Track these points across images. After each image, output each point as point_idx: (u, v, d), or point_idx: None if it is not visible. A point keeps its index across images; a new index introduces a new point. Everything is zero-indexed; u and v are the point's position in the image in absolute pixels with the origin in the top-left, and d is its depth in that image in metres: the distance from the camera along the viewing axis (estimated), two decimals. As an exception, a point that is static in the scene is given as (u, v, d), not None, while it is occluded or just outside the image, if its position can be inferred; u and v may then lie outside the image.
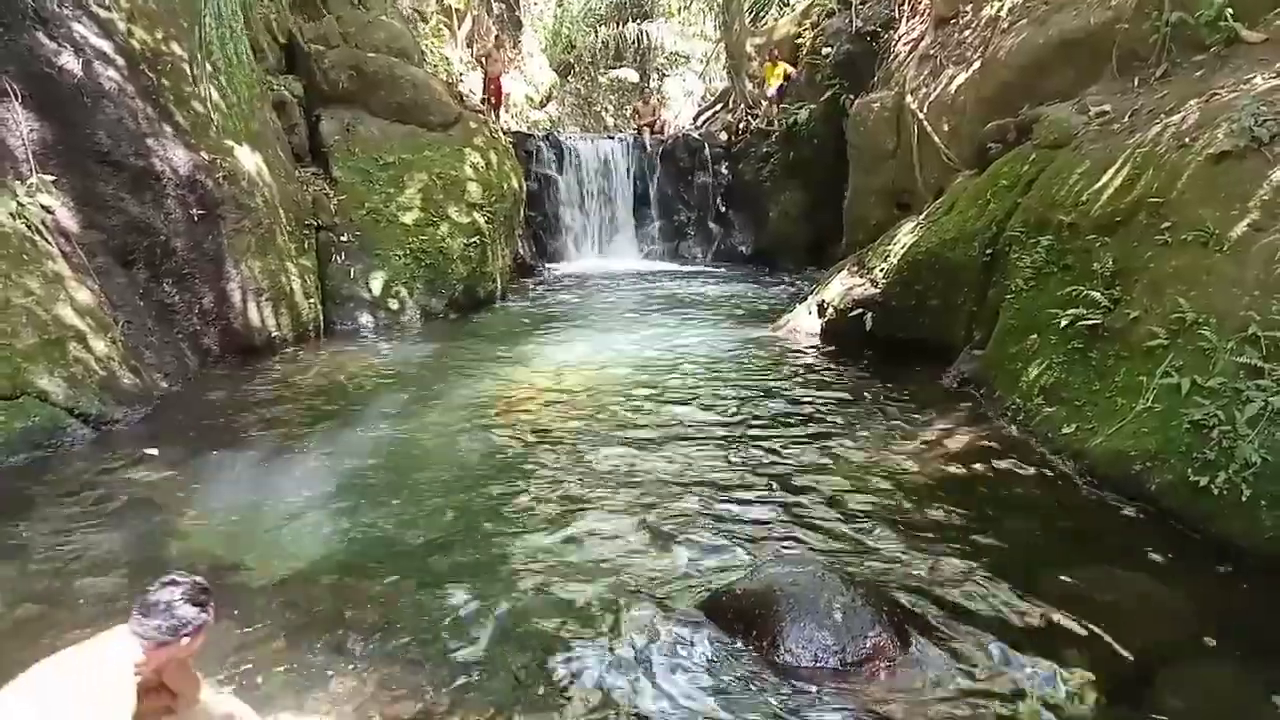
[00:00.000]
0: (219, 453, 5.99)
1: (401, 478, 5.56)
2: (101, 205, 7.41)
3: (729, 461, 5.79)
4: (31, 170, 6.85)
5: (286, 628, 3.72)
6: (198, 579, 2.54)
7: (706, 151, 17.89)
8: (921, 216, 9.10)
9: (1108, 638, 3.55)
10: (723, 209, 17.74)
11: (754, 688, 3.31)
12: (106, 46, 7.81)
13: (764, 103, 17.74)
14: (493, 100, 17.47)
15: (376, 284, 10.63)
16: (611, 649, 3.58)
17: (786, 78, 16.92)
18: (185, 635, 2.42)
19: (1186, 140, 5.65)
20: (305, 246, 9.98)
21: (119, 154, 7.59)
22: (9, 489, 5.28)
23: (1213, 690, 3.20)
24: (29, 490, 5.28)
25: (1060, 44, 8.84)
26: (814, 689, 3.28)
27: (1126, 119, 6.90)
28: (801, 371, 8.34)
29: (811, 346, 9.23)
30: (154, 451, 5.90)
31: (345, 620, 3.79)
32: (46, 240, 6.73)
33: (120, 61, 7.87)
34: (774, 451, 5.96)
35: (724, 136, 18.33)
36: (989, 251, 7.44)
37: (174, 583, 2.45)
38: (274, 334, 8.94)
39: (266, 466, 5.75)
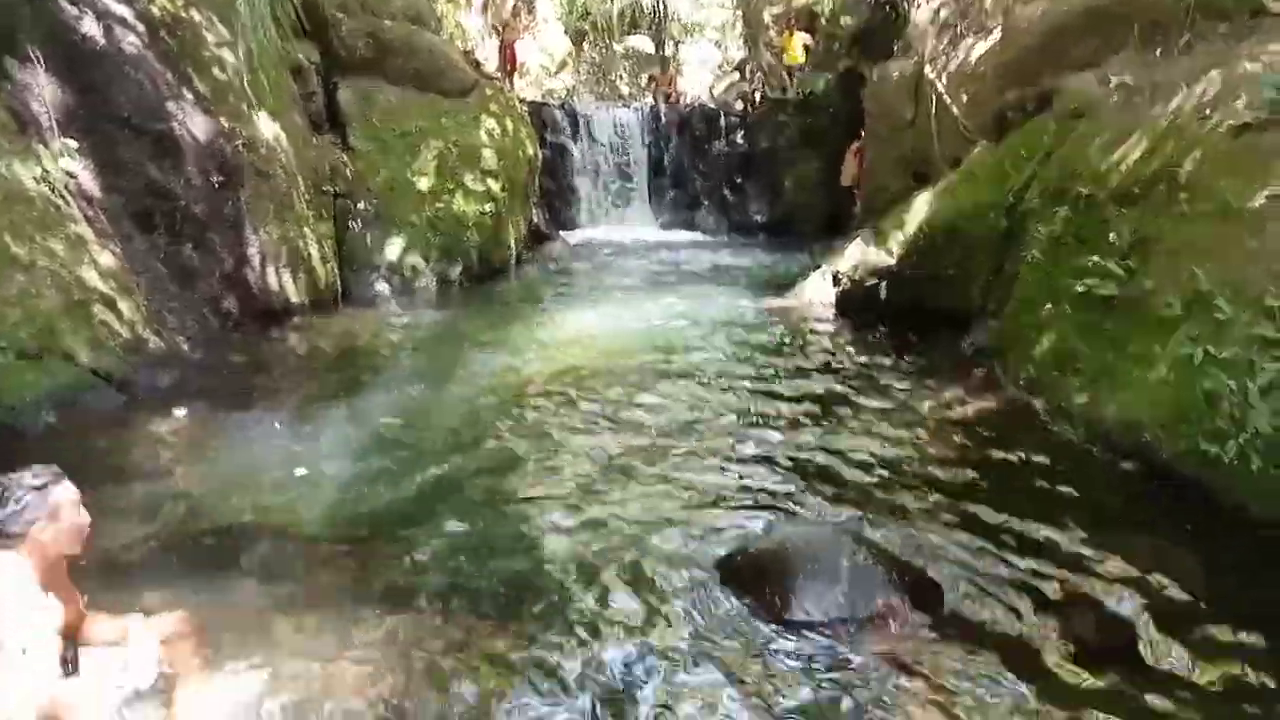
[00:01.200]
0: (242, 414, 6.10)
1: (420, 440, 5.65)
2: (122, 170, 7.49)
3: (742, 426, 5.85)
4: (55, 134, 6.92)
5: (309, 580, 3.82)
6: (49, 466, 2.64)
7: (722, 121, 17.82)
8: (939, 187, 9.07)
9: (1116, 600, 3.61)
10: (738, 179, 17.69)
11: (765, 645, 3.39)
12: (126, 12, 7.84)
13: (781, 72, 17.64)
14: (508, 68, 17.43)
15: (393, 251, 10.69)
16: (626, 607, 3.65)
17: (805, 49, 16.80)
18: (36, 521, 2.52)
19: (1207, 112, 5.62)
20: (323, 213, 10.04)
21: (139, 119, 7.65)
22: (37, 449, 5.39)
23: (1220, 653, 3.25)
24: (56, 449, 5.39)
25: (1083, 13, 8.73)
26: (824, 646, 3.36)
27: (1148, 90, 6.84)
28: (815, 340, 8.38)
29: (826, 315, 9.27)
30: (181, 412, 6.01)
31: (367, 573, 3.89)
32: (69, 204, 6.81)
33: (140, 27, 7.91)
34: (788, 417, 6.02)
35: (740, 106, 18.26)
36: (1006, 222, 7.43)
37: (16, 474, 2.56)
38: (292, 299, 9.02)
39: (289, 427, 5.86)
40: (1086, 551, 4.03)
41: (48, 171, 6.66)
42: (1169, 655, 3.28)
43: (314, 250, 9.47)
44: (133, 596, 3.44)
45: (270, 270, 8.80)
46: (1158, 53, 7.55)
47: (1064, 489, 4.80)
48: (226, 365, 7.34)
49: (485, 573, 3.92)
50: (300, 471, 5.11)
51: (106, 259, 6.84)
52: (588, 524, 4.42)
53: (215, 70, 8.39)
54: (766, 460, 5.27)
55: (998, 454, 5.33)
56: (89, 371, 6.20)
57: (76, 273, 6.48)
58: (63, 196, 6.75)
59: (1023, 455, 5.28)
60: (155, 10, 8.12)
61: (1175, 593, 3.69)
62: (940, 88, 10.92)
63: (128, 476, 5.02)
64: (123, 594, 3.44)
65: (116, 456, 5.33)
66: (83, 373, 6.15)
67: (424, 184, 11.16)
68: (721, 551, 4.07)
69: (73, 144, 6.93)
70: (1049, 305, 6.28)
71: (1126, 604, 3.60)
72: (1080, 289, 5.85)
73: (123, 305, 6.73)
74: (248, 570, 3.96)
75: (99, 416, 5.95)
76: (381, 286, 10.55)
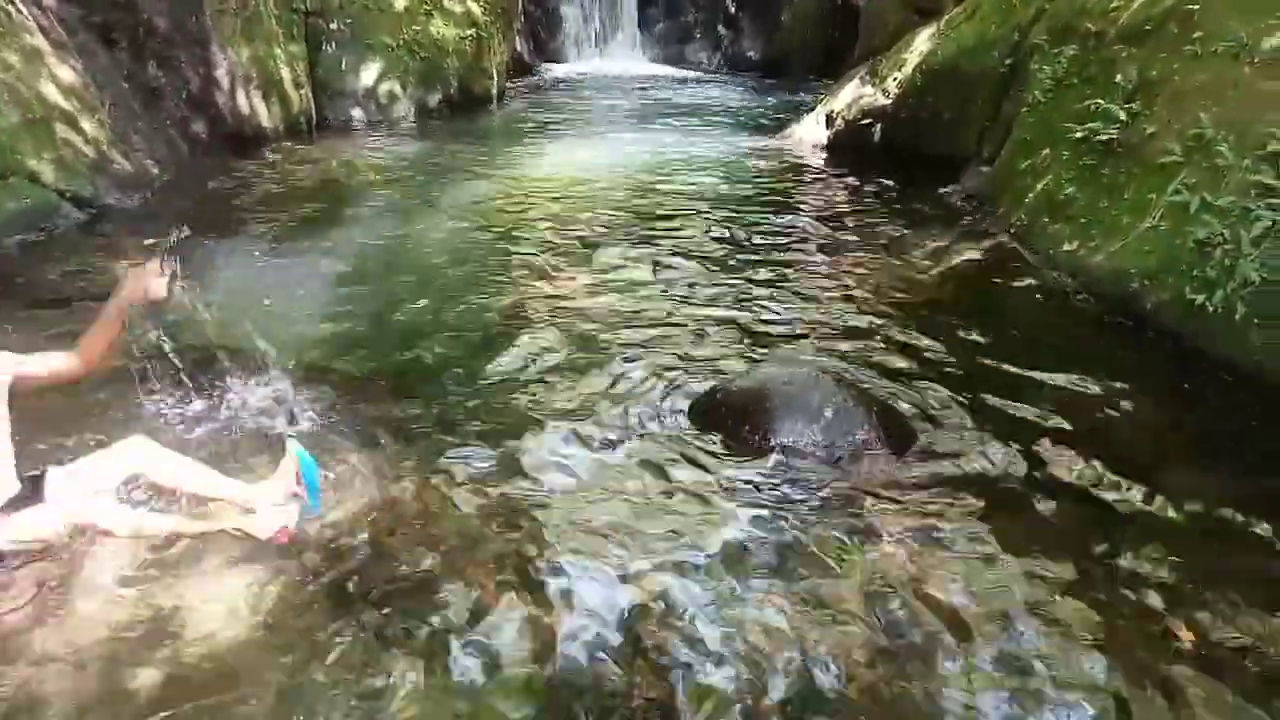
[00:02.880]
0: (213, 241, 5.93)
1: (397, 274, 5.56)
2: (77, -25, 7.01)
3: (725, 267, 5.79)
4: (0, -68, 6.41)
5: (273, 415, 3.79)
6: None
7: (718, -54, 16.80)
8: (941, 22, 8.67)
9: (1094, 444, 3.67)
10: (732, 10, 16.86)
11: (743, 477, 3.44)
12: None
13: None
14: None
15: (368, 76, 10.24)
16: (604, 444, 3.68)
17: None
18: None
19: (1232, -58, 5.30)
20: (294, 34, 9.53)
21: (91, -82, 7.10)
22: (4, 272, 5.27)
23: (1187, 494, 3.33)
24: (25, 272, 5.28)
25: None
26: (803, 480, 3.42)
27: (1171, -82, 6.44)
28: (804, 182, 8.21)
29: (817, 158, 9.04)
30: (151, 236, 5.85)
31: (339, 411, 3.86)
32: (21, 11, 6.39)
33: None
34: (771, 259, 5.96)
35: (738, -72, 17.16)
36: (1009, 61, 7.14)
37: None
38: (265, 124, 8.70)
39: (262, 258, 5.73)
40: (1064, 394, 4.07)
41: (-6, -27, 6.21)
42: (1135, 495, 3.35)
43: (285, 73, 9.05)
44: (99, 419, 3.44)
45: (240, 92, 8.42)
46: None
47: (1045, 336, 4.82)
48: (197, 191, 7.12)
49: (452, 406, 3.92)
50: (270, 300, 5.02)
51: (66, 74, 6.48)
52: (563, 363, 4.39)
53: None
54: (747, 300, 5.23)
55: (982, 300, 5.31)
56: (54, 192, 5.99)
57: (35, 87, 6.15)
58: (12, 3, 6.31)
59: (1007, 302, 5.27)
60: None
61: (1150, 437, 3.76)
62: (951, -87, 10.25)
63: (95, 301, 4.91)
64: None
65: (82, 280, 5.21)
66: (48, 193, 5.94)
67: (401, 4, 10.55)
68: (702, 389, 4.08)
69: (19, -57, 6.43)
70: (1046, 150, 6.12)
71: (1103, 446, 3.66)
72: (1080, 133, 5.68)
73: (86, 124, 6.44)
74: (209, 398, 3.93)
75: (67, 239, 5.79)
76: (357, 114, 10.17)
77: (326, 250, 5.90)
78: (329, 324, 4.76)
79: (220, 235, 6.05)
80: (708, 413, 3.89)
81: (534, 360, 4.41)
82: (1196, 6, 5.26)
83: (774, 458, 3.54)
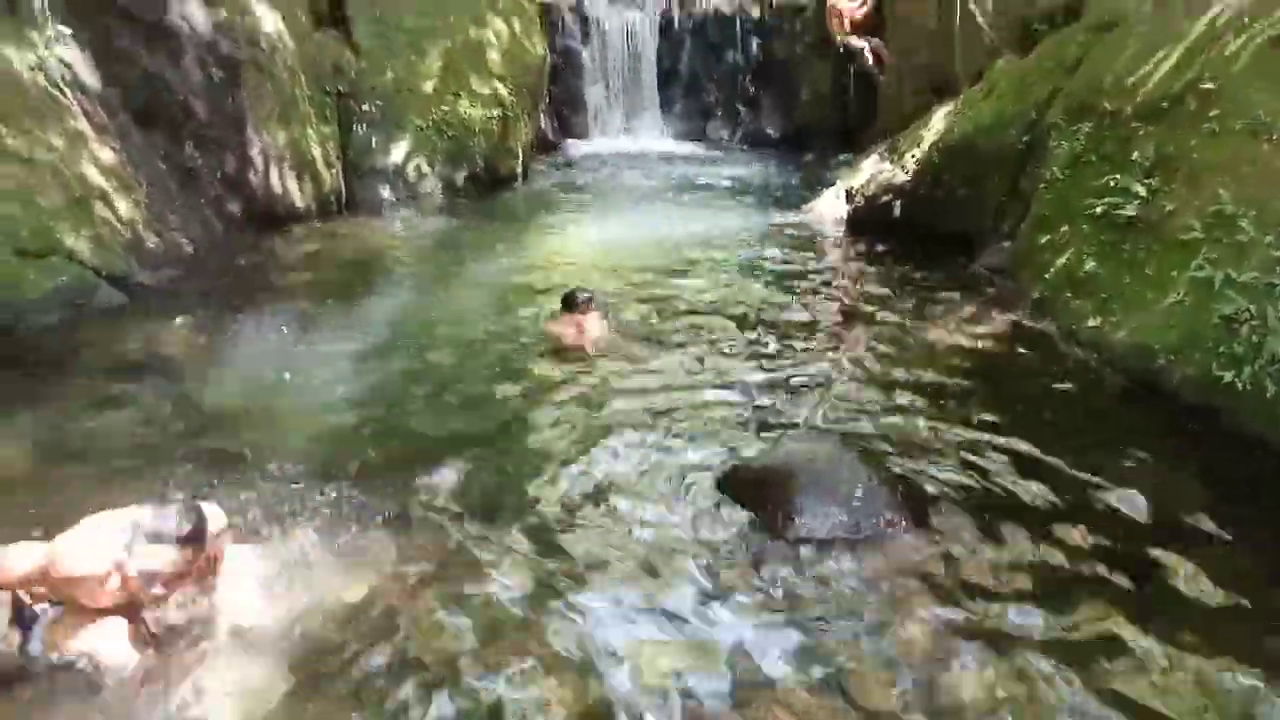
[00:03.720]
0: (244, 317, 6.06)
1: (424, 350, 5.63)
2: (119, 61, 7.29)
3: (750, 341, 5.81)
4: (48, 19, 6.70)
5: (306, 486, 3.82)
6: None
7: (738, 27, 17.22)
8: (958, 101, 8.81)
9: (1120, 522, 3.61)
10: (752, 89, 17.20)
11: (767, 558, 3.40)
12: (120, -107, 7.51)
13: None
14: (517, -34, 16.80)
15: (398, 155, 10.48)
16: (629, 521, 3.66)
17: None
18: None
19: (1244, 20, 5.39)
20: (327, 114, 9.80)
21: (135, 7, 7.40)
22: (42, 347, 5.39)
23: (1222, 577, 3.25)
24: (60, 349, 5.39)
25: (1119, -82, 8.34)
26: (826, 561, 3.37)
27: (1181, 1, 6.56)
28: (826, 256, 8.26)
29: (838, 233, 9.11)
30: (182, 313, 5.98)
31: (365, 480, 3.89)
32: (66, 96, 6.65)
33: (134, -90, 7.58)
34: (796, 333, 5.97)
35: (756, 12, 17.61)
36: (1026, 138, 7.22)
37: None
38: (297, 203, 8.89)
39: (291, 334, 5.82)
40: (1088, 473, 4.01)
41: (42, 59, 6.47)
42: (1170, 573, 3.28)
43: (317, 152, 9.29)
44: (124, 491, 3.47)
45: (274, 172, 8.64)
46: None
47: (1070, 412, 4.77)
48: (229, 268, 7.28)
49: (476, 488, 3.92)
50: (297, 375, 5.09)
51: (106, 155, 6.71)
52: (587, 433, 4.41)
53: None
54: (773, 374, 5.23)
55: (1005, 375, 5.29)
56: (91, 270, 6.14)
57: (77, 168, 6.37)
58: (59, 87, 6.58)
59: (1031, 377, 5.24)
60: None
61: (1177, 514, 3.69)
62: (965, -4, 10.51)
63: (128, 376, 5.02)
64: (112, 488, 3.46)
65: (117, 356, 5.31)
66: (85, 271, 6.10)
67: (429, 86, 10.86)
68: (726, 465, 4.06)
69: (66, 30, 6.71)
70: (1065, 226, 6.14)
71: (1129, 525, 3.60)
72: (1099, 209, 5.71)
73: (124, 203, 6.63)
74: (237, 469, 3.97)
75: (101, 315, 5.92)
76: (386, 192, 10.37)
77: (351, 326, 5.99)
78: (348, 402, 4.80)
79: (248, 311, 6.16)
80: (733, 490, 3.87)
81: (560, 437, 4.42)
82: (1213, 85, 5.31)
83: (800, 539, 3.50)
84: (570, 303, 5.61)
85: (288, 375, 5.07)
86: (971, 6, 10.11)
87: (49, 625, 2.69)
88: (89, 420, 4.49)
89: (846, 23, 13.42)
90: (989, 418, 4.63)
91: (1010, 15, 9.40)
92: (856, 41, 13.39)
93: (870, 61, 13.25)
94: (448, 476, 3.94)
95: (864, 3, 13.36)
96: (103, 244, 6.29)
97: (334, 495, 3.72)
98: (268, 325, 5.92)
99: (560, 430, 4.48)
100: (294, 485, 3.80)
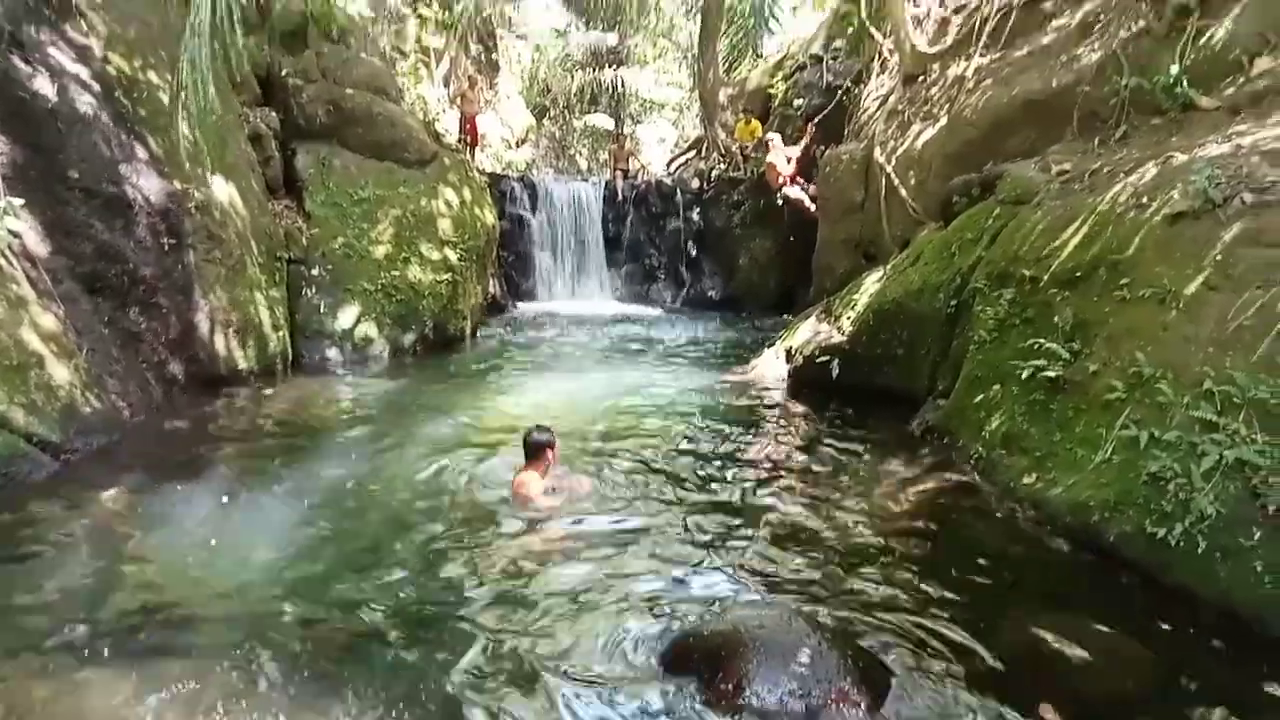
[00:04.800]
0: (178, 486, 5.88)
1: (361, 519, 5.48)
2: (71, 231, 7.35)
3: (694, 503, 5.80)
4: (1, 193, 6.79)
5: (235, 667, 3.63)
6: None
7: (678, 197, 18.16)
8: (888, 267, 9.28)
9: (1065, 684, 3.59)
10: (693, 254, 17.98)
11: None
12: (83, 72, 7.81)
13: (736, 151, 18.11)
14: (469, 140, 17.66)
15: (346, 318, 10.60)
16: (569, 696, 3.54)
17: (760, 143, 17.28)
18: None
19: (1144, 200, 5.85)
20: (276, 278, 9.95)
21: (91, 180, 7.55)
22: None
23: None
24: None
25: (1023, 104, 9.14)
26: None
27: (1087, 178, 7.12)
28: (768, 415, 8.41)
29: (778, 391, 9.32)
30: (113, 484, 5.80)
31: (296, 662, 3.71)
32: (11, 264, 6.66)
33: (96, 88, 7.87)
34: (739, 493, 6.00)
35: (696, 183, 18.63)
36: (953, 303, 7.60)
37: None
38: (240, 366, 8.86)
39: (225, 503, 5.64)
40: (1035, 635, 4.01)
41: (-10, 230, 6.51)
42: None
43: (264, 315, 9.35)
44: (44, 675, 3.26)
45: (218, 335, 8.65)
46: (1095, 142, 7.90)
47: (1013, 571, 4.81)
48: (166, 434, 7.14)
49: (412, 668, 3.77)
50: (231, 549, 4.91)
51: (48, 321, 6.66)
52: (527, 604, 4.30)
53: (170, 133, 8.34)
54: (718, 537, 5.21)
55: (948, 535, 5.34)
56: (23, 437, 5.97)
57: (15, 334, 6.29)
58: (4, 256, 6.59)
59: (973, 536, 5.29)
60: (112, 70, 8.10)
61: (1121, 675, 3.69)
62: (889, 170, 11.27)
63: (54, 549, 4.81)
64: (36, 671, 3.25)
65: (44, 527, 5.11)
66: (15, 439, 5.92)
67: (380, 251, 11.13)
68: (671, 632, 3.98)
69: (18, 203, 6.79)
70: (996, 386, 6.39)
71: (1074, 686, 3.58)
72: (1027, 371, 5.96)
73: (62, 369, 6.54)
74: (166, 650, 3.77)
75: (29, 485, 5.72)
76: (333, 354, 10.42)
77: (289, 494, 5.85)
78: (280, 577, 4.63)
79: (182, 479, 6.00)
80: (680, 658, 3.77)
81: (499, 604, 4.30)
82: (1120, 256, 5.70)
83: (749, 709, 3.40)
84: (532, 449, 5.69)
85: (217, 547, 4.90)
86: (895, 182, 10.84)
87: None
88: (5, 596, 4.26)
89: (784, 177, 14.32)
90: (935, 579, 4.63)
91: (930, 189, 10.08)
92: (795, 193, 14.28)
93: (807, 203, 14.09)
94: (376, 657, 3.78)
95: (792, 159, 14.35)
96: (37, 410, 6.15)
97: (259, 681, 3.54)
98: (201, 494, 5.75)
99: (499, 599, 4.36)
100: (216, 669, 3.60)
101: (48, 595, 4.31)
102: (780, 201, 14.63)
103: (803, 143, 14.69)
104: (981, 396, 6.52)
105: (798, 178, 14.41)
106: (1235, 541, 4.12)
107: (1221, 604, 4.09)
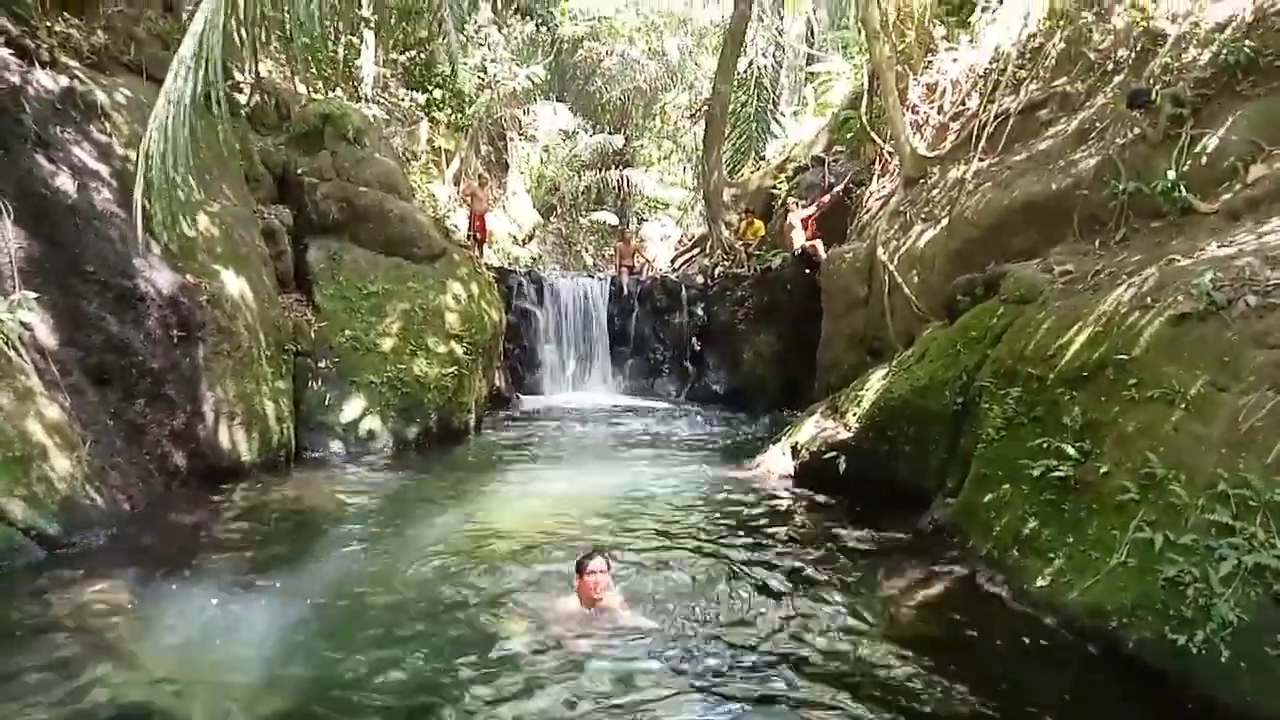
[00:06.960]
0: (175, 583, 5.77)
1: (364, 620, 5.35)
2: (82, 323, 7.43)
3: (698, 608, 5.65)
4: (16, 286, 6.88)
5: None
6: None
7: (683, 293, 18.38)
8: (893, 364, 9.30)
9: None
10: (698, 349, 18.08)
11: None
12: (104, 170, 8.03)
13: (740, 249, 18.40)
14: (477, 236, 17.98)
15: (351, 410, 10.59)
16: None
17: (761, 240, 17.66)
18: None
19: (1149, 301, 5.89)
20: (283, 371, 9.98)
21: (105, 274, 7.68)
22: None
23: None
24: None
25: (1024, 206, 9.29)
26: None
27: (1089, 278, 7.19)
28: (774, 514, 8.29)
29: (784, 488, 9.22)
30: (107, 580, 5.69)
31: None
32: (21, 356, 6.69)
33: (115, 184, 8.06)
34: (741, 596, 5.85)
35: (700, 279, 18.89)
36: (960, 400, 7.57)
37: None
38: (243, 458, 8.81)
39: (223, 601, 5.50)
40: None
41: (2, 321, 6.57)
42: None
43: (270, 408, 9.35)
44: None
45: (223, 427, 8.63)
46: (1096, 244, 8.00)
47: (1030, 677, 4.67)
48: (166, 527, 7.04)
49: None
50: (228, 650, 4.79)
51: (53, 412, 6.66)
52: (525, 712, 4.16)
53: (184, 228, 8.48)
54: (720, 645, 5.06)
55: (960, 639, 5.19)
56: (20, 530, 5.90)
57: (20, 426, 6.28)
58: (14, 347, 6.63)
59: (987, 641, 5.15)
60: (131, 168, 8.29)
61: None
62: (892, 269, 11.40)
63: (38, 645, 4.68)
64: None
65: (30, 623, 4.99)
66: (13, 531, 5.86)
67: (387, 344, 11.21)
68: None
69: (32, 296, 6.88)
70: (1006, 485, 6.31)
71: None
72: (1037, 470, 5.91)
73: (64, 461, 6.50)
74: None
75: (23, 578, 5.62)
76: (336, 446, 10.38)
77: (289, 591, 5.72)
78: (278, 679, 4.49)
79: (180, 574, 5.90)
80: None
81: (501, 707, 4.16)
82: (1127, 357, 5.70)
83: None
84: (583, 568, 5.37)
85: (205, 648, 4.78)
86: (899, 280, 10.95)
87: None
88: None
89: (801, 233, 14.76)
90: (948, 685, 4.48)
91: (934, 287, 10.17)
92: (810, 244, 14.61)
93: (819, 248, 14.46)
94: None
95: (808, 218, 14.76)
96: (37, 503, 6.09)
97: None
98: (196, 592, 5.63)
99: (501, 703, 4.22)
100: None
101: (24, 693, 4.18)
102: (798, 254, 15.00)
103: (820, 200, 15.24)
104: (991, 495, 6.44)
105: (814, 238, 14.79)
106: (1260, 650, 4.00)
107: (1248, 715, 3.95)
